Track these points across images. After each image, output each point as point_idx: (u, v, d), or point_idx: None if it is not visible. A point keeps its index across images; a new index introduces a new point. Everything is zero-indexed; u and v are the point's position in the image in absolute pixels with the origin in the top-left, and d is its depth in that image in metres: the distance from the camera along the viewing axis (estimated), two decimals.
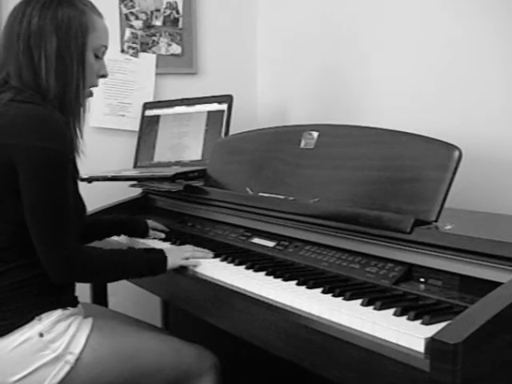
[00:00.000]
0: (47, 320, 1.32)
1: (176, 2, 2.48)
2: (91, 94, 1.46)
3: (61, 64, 1.34)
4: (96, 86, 1.45)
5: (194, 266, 1.48)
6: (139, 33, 2.45)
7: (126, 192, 2.20)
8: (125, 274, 1.48)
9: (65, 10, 1.34)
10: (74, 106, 1.38)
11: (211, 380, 1.48)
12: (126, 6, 2.42)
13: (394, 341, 0.99)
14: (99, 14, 1.42)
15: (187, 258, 1.49)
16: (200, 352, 1.49)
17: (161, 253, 1.47)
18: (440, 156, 1.30)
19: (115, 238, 1.85)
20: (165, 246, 1.69)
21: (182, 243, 1.67)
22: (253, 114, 2.62)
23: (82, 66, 1.37)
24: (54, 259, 1.30)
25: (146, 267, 1.44)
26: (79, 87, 1.37)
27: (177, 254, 1.49)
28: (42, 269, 1.33)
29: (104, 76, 1.46)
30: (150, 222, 1.83)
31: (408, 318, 1.05)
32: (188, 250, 1.54)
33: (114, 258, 1.42)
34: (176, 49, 2.51)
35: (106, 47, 1.43)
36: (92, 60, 1.39)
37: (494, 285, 1.02)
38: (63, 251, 1.30)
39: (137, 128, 2.42)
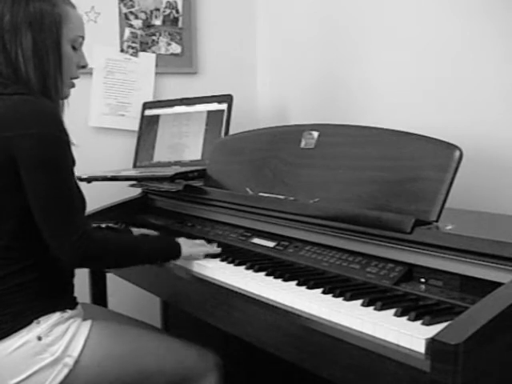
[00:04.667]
0: (45, 323, 1.32)
1: (176, 2, 2.48)
2: (73, 85, 1.45)
3: (38, 58, 1.34)
4: (77, 77, 1.44)
5: (202, 257, 1.52)
6: (139, 32, 2.44)
7: (126, 192, 2.20)
8: (137, 260, 1.46)
9: (36, 5, 1.33)
10: (55, 98, 1.38)
11: (214, 381, 1.48)
12: (125, 5, 2.41)
13: (394, 341, 0.99)
14: (72, 5, 1.41)
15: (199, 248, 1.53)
16: (201, 353, 1.49)
17: (173, 240, 1.50)
18: (441, 156, 1.30)
19: None
20: None
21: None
22: (253, 114, 2.62)
23: (58, 59, 1.36)
24: (67, 242, 1.29)
25: (159, 253, 1.46)
26: (57, 80, 1.37)
27: (188, 244, 1.52)
28: (40, 271, 1.34)
29: (84, 67, 1.45)
30: (137, 231, 1.81)
31: (408, 319, 1.04)
32: (198, 242, 1.57)
33: (128, 241, 1.43)
34: (176, 48, 2.50)
35: (82, 37, 1.43)
36: (69, 51, 1.39)
37: (495, 285, 1.02)
38: (75, 234, 1.29)
39: (136, 128, 2.42)
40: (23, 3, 1.33)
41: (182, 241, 1.51)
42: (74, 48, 1.40)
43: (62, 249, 1.30)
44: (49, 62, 1.35)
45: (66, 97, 1.44)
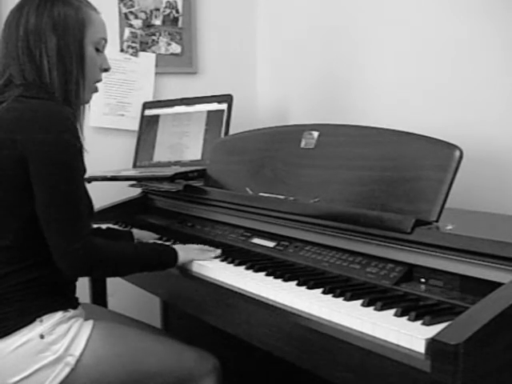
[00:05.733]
0: (48, 322, 1.32)
1: (176, 1, 2.48)
2: (96, 90, 1.47)
3: (61, 61, 1.35)
4: (100, 80, 1.46)
5: (202, 261, 1.50)
6: (139, 32, 2.44)
7: (126, 192, 2.20)
8: (136, 268, 1.46)
9: (60, 9, 1.35)
10: (76, 102, 1.39)
11: (212, 383, 1.48)
12: (125, 5, 2.41)
13: (394, 341, 0.99)
14: (94, 9, 1.43)
15: (197, 254, 1.52)
16: (200, 355, 1.49)
17: (171, 247, 1.50)
18: (441, 156, 1.30)
19: None
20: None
21: (182, 244, 1.66)
22: (253, 114, 2.62)
23: (81, 62, 1.38)
24: (68, 251, 1.29)
25: (157, 260, 1.45)
26: (79, 83, 1.38)
27: (186, 250, 1.52)
28: (44, 270, 1.33)
29: (106, 70, 1.47)
30: (136, 233, 1.82)
31: (409, 319, 1.04)
32: (196, 247, 1.56)
33: (127, 250, 1.42)
34: (176, 48, 2.50)
35: (105, 40, 1.44)
36: (93, 54, 1.41)
37: (495, 285, 1.02)
38: (77, 243, 1.29)
39: (136, 128, 2.42)
40: (48, 7, 1.35)
41: (179, 247, 1.50)
42: (97, 50, 1.42)
43: (62, 257, 1.30)
44: (72, 65, 1.36)
45: (87, 101, 1.45)
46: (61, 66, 1.35)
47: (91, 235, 1.34)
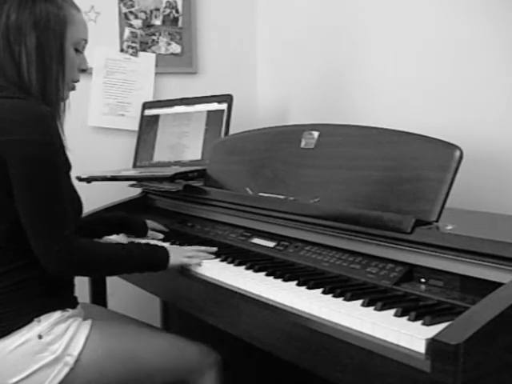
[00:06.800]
0: (46, 322, 1.32)
1: (175, 1, 2.48)
2: (73, 88, 1.45)
3: (41, 59, 1.34)
4: (77, 80, 1.45)
5: (196, 265, 1.48)
6: (139, 32, 2.44)
7: (126, 192, 2.20)
8: (125, 268, 1.45)
9: (42, 6, 1.34)
10: (55, 101, 1.38)
11: (213, 376, 1.48)
12: (125, 5, 2.41)
13: (394, 341, 0.99)
14: (77, 8, 1.41)
15: (190, 258, 1.48)
16: (201, 349, 1.49)
17: (163, 248, 1.46)
18: (441, 156, 1.30)
19: (114, 236, 1.85)
20: (166, 245, 1.68)
21: (182, 244, 1.66)
22: (253, 114, 2.62)
23: (61, 61, 1.37)
24: (50, 252, 1.28)
25: (147, 262, 1.42)
26: (58, 82, 1.37)
27: (179, 253, 1.49)
28: (41, 270, 1.33)
29: (84, 70, 1.46)
30: (150, 223, 1.83)
31: (409, 319, 1.04)
32: (190, 249, 1.53)
33: (114, 251, 1.40)
34: (175, 48, 2.50)
35: (85, 41, 1.43)
36: (72, 54, 1.39)
37: (495, 285, 1.02)
38: (59, 243, 1.28)
39: (136, 128, 2.42)
40: (30, 4, 1.33)
41: (171, 249, 1.47)
42: (76, 50, 1.41)
43: (45, 258, 1.29)
44: (51, 64, 1.35)
45: (65, 99, 1.44)
46: (40, 63, 1.34)
47: (75, 235, 1.32)
